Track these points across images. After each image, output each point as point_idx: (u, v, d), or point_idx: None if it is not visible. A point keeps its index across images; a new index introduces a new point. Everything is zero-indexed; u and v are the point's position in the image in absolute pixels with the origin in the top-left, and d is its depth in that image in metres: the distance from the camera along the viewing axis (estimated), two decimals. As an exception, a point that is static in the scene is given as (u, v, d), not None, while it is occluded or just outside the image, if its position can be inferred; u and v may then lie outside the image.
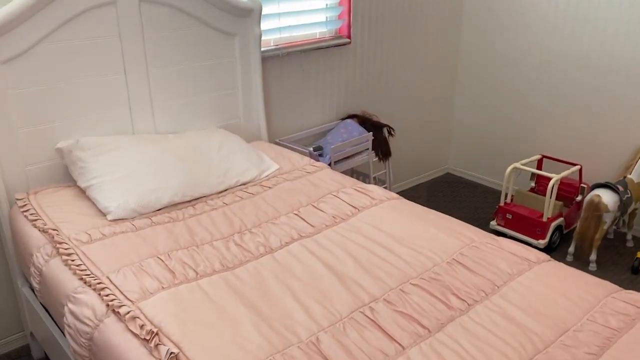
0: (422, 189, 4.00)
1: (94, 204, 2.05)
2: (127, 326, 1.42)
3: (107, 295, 1.52)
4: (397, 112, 3.70)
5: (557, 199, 3.28)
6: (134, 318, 1.42)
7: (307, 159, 2.52)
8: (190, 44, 2.46)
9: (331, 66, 3.20)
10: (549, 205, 3.01)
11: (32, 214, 1.97)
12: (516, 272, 1.62)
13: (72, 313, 1.54)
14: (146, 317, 1.44)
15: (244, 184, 2.29)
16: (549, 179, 3.21)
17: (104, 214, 1.99)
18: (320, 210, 2.04)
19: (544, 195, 3.23)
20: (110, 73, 2.26)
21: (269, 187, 2.25)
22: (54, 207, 2.02)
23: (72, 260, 1.69)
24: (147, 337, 1.35)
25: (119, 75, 2.29)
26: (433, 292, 1.53)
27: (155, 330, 1.37)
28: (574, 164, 3.20)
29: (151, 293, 1.54)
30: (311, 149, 2.89)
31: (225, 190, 2.24)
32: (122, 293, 1.54)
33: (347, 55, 3.27)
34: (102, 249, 1.76)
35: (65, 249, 1.74)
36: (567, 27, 3.29)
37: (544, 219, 3.03)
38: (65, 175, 2.25)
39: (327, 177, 2.32)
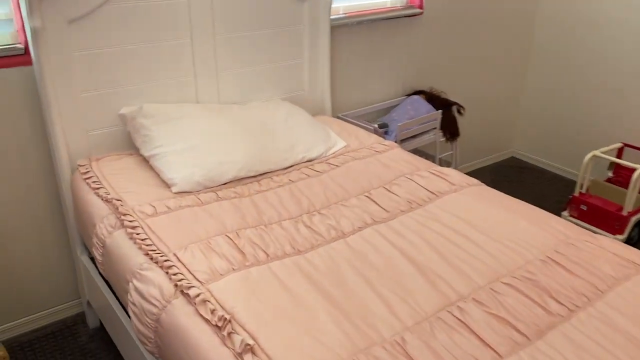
0: (486, 172, 3.79)
1: (157, 174, 1.97)
2: (197, 310, 1.32)
3: (175, 274, 1.43)
4: (463, 89, 3.49)
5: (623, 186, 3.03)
6: (204, 302, 1.33)
7: (374, 137, 2.37)
8: (258, 8, 2.32)
9: (400, 38, 3.01)
10: (631, 198, 2.78)
11: (94, 182, 1.91)
12: (622, 276, 1.45)
13: (138, 291, 1.46)
14: (217, 301, 1.34)
15: (309, 161, 2.17)
16: (632, 169, 2.97)
17: (167, 185, 1.91)
18: (394, 193, 1.90)
19: (623, 186, 3.00)
20: (177, 38, 2.15)
21: (337, 166, 2.12)
22: (117, 175, 1.95)
23: (137, 234, 1.61)
24: (219, 324, 1.26)
25: (186, 40, 2.18)
26: (528, 294, 1.38)
27: (227, 317, 1.27)
28: (661, 155, 2.95)
29: (221, 274, 1.44)
30: (376, 125, 2.73)
31: (291, 166, 2.12)
32: (190, 272, 1.45)
33: (417, 27, 3.07)
34: (168, 223, 1.68)
35: (130, 221, 1.66)
36: (663, 4, 2.99)
37: (624, 213, 2.81)
38: (127, 143, 2.17)
39: (398, 158, 2.17)
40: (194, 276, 1.44)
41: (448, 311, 1.33)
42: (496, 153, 3.96)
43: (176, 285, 1.40)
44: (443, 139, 3.04)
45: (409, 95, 3.14)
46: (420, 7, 3.01)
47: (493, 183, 3.63)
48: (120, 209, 1.70)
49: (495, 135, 3.87)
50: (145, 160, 2.07)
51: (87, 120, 2.05)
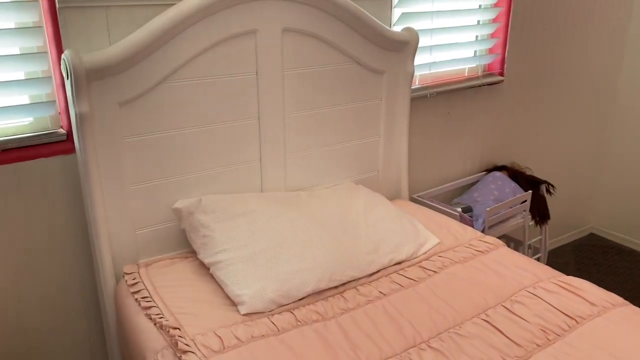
0: (567, 253, 3.35)
1: (219, 285, 1.61)
2: None
3: None
4: (544, 163, 3.11)
5: None
6: None
7: (471, 231, 1.99)
8: (332, 83, 2.00)
9: (478, 108, 2.67)
10: None
11: (144, 298, 1.55)
12: None
13: None
14: None
15: (398, 263, 1.79)
16: None
17: (233, 303, 1.54)
18: (519, 316, 1.50)
19: None
20: (242, 118, 1.84)
21: (434, 272, 1.73)
22: (171, 288, 1.60)
23: (203, 383, 1.23)
24: None
25: (252, 121, 1.86)
26: None
27: None
28: None
29: None
30: (459, 209, 2.35)
31: (377, 271, 1.74)
32: None
33: (497, 96, 2.73)
34: (240, 364, 1.30)
35: (193, 362, 1.28)
36: None
37: None
38: (181, 241, 1.83)
39: (508, 261, 1.78)
40: None
41: None
42: (573, 230, 3.53)
43: None
44: (532, 222, 2.64)
45: (488, 171, 2.77)
46: (501, 74, 2.68)
47: (580, 266, 3.18)
48: (180, 344, 1.33)
49: (571, 209, 3.44)
50: (204, 266, 1.71)
51: (135, 217, 1.72)
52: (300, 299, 1.58)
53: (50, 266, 1.74)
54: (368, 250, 1.74)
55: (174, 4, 1.64)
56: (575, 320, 1.47)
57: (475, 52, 2.64)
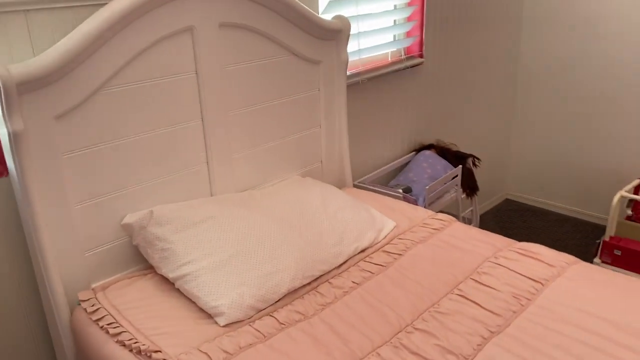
0: (488, 219, 3.56)
1: (189, 299, 1.53)
2: None
3: None
4: (463, 137, 3.26)
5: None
6: None
7: (422, 211, 2.04)
8: (272, 76, 1.96)
9: (403, 91, 2.74)
10: (671, 239, 2.61)
11: (110, 324, 1.43)
12: None
13: None
14: None
15: (362, 251, 1.80)
16: (658, 206, 2.82)
17: (209, 315, 1.47)
18: (488, 286, 1.57)
19: (643, 223, 2.84)
20: (186, 120, 1.74)
21: (399, 254, 1.76)
22: (137, 309, 1.49)
23: (202, 404, 1.16)
24: None
25: (196, 122, 1.77)
26: None
27: None
28: (684, 188, 2.83)
29: None
30: (401, 191, 2.41)
31: (345, 262, 1.74)
32: None
33: (419, 77, 2.82)
34: (235, 377, 1.24)
35: (186, 384, 1.21)
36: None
37: (666, 255, 2.63)
38: (133, 258, 1.71)
39: (464, 235, 1.85)
40: None
41: None
42: (490, 198, 3.76)
43: None
44: (463, 195, 2.77)
45: (417, 150, 2.86)
46: (421, 55, 2.77)
47: (503, 231, 3.40)
48: (168, 368, 1.24)
49: (486, 179, 3.66)
50: (167, 281, 1.61)
51: (82, 239, 1.58)
52: (277, 301, 1.54)
53: (-12, 305, 1.55)
54: (334, 242, 1.73)
55: (102, 4, 1.51)
56: (541, 283, 1.56)
57: (394, 36, 2.69)
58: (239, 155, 1.92)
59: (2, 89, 1.29)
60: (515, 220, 3.54)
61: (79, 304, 1.55)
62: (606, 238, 2.81)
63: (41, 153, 1.43)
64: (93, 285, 1.62)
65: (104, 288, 1.58)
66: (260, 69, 1.90)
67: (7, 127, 1.33)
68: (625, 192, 2.78)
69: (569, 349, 1.30)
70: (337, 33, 2.09)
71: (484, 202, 3.71)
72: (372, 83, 2.54)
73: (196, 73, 1.73)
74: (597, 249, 2.87)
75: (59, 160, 1.48)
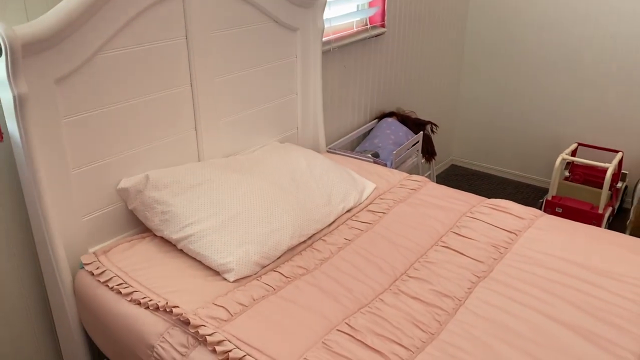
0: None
1: (195, 259, 1.58)
2: None
3: (320, 402, 1.11)
4: (419, 105, 3.43)
5: (582, 184, 3.18)
6: None
7: (397, 173, 2.18)
8: (254, 43, 2.00)
9: (366, 60, 2.84)
10: (605, 197, 2.91)
11: (120, 285, 1.46)
12: None
13: None
14: None
15: (348, 211, 1.91)
16: (589, 167, 3.12)
17: (217, 273, 1.53)
18: (469, 238, 1.73)
19: (579, 184, 3.14)
20: (176, 85, 1.76)
21: (383, 213, 1.89)
22: (144, 270, 1.53)
23: (229, 351, 1.24)
24: None
25: (185, 88, 1.79)
26: (700, 338, 1.29)
27: None
28: (615, 151, 3.14)
29: (376, 389, 1.15)
30: (370, 156, 2.53)
31: (334, 221, 1.84)
32: (336, 394, 1.14)
33: (381, 46, 2.92)
34: (254, 326, 1.32)
35: (210, 334, 1.28)
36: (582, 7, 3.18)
37: (600, 211, 2.93)
38: (127, 222, 1.73)
39: (439, 194, 2.00)
40: (345, 398, 1.13)
41: (641, 377, 1.19)
42: (439, 163, 3.98)
43: (335, 418, 1.09)
44: (423, 160, 2.94)
45: (379, 118, 2.99)
46: (383, 25, 2.87)
47: (453, 195, 3.62)
48: (192, 320, 1.30)
49: (436, 145, 3.86)
50: (167, 243, 1.65)
51: (80, 203, 1.59)
52: (278, 258, 1.62)
53: (-15, 272, 1.53)
54: (323, 203, 1.83)
55: (98, -34, 1.49)
56: (515, 234, 1.74)
57: (357, 6, 2.78)
58: (225, 121, 1.96)
59: (8, 51, 1.27)
60: (461, 185, 3.78)
61: (82, 268, 1.56)
62: (548, 197, 3.09)
63: (43, 117, 1.42)
64: (91, 250, 1.63)
65: (105, 252, 1.60)
66: (243, 36, 1.94)
67: (12, 90, 1.31)
68: (566, 155, 3.05)
69: (546, 288, 1.47)
70: (314, 0, 2.15)
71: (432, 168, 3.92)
72: (338, 52, 2.62)
73: (186, 38, 1.74)
74: (540, 208, 3.15)
75: (59, 124, 1.47)
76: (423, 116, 3.47)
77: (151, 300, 1.40)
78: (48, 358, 1.75)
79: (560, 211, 3.03)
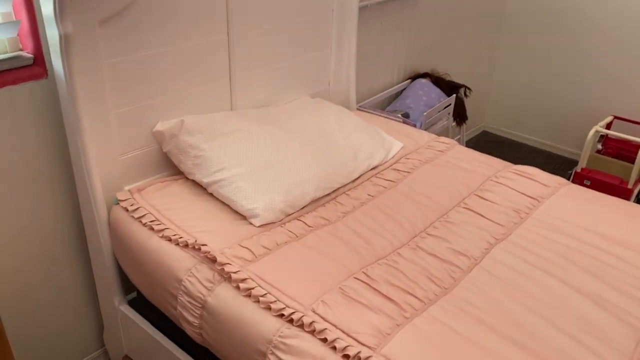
0: (469, 150, 3.76)
1: (223, 203, 1.65)
2: (391, 387, 1.10)
3: (333, 341, 1.18)
4: (453, 68, 3.39)
5: (614, 158, 3.13)
6: (397, 376, 1.10)
7: (426, 134, 2.19)
8: (292, -5, 2.00)
9: (402, 20, 2.81)
10: (636, 172, 2.87)
11: (153, 222, 1.55)
12: None
13: (291, 366, 1.19)
14: (410, 373, 1.12)
15: (374, 169, 1.94)
16: (623, 141, 3.08)
17: (243, 217, 1.60)
18: (491, 201, 1.75)
19: (612, 157, 3.10)
20: (214, 33, 1.80)
21: (408, 172, 1.92)
22: (175, 210, 1.61)
23: (252, 288, 1.32)
24: (437, 405, 1.05)
25: (222, 36, 1.82)
26: None
27: (440, 393, 1.06)
28: (652, 127, 3.08)
29: (388, 334, 1.22)
30: (400, 116, 2.55)
31: (359, 177, 1.88)
32: (349, 335, 1.21)
33: (418, 6, 2.88)
34: (276, 268, 1.40)
35: (235, 271, 1.36)
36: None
37: (629, 186, 2.90)
38: (160, 164, 1.81)
39: (466, 157, 2.02)
40: (357, 340, 1.20)
41: (646, 344, 1.23)
42: (471, 128, 3.95)
43: (347, 357, 1.16)
44: (453, 123, 2.93)
45: (413, 78, 2.98)
46: (423, -16, 2.83)
47: (481, 161, 3.61)
48: (218, 258, 1.38)
49: (468, 110, 3.82)
50: (198, 186, 1.73)
51: (118, 143, 1.66)
52: (302, 208, 1.68)
53: (26, 196, 1.63)
54: (349, 159, 1.86)
55: None
56: (537, 200, 1.76)
57: (399, -38, 2.73)
58: (258, 72, 2.00)
59: (56, -10, 1.32)
60: (491, 152, 3.76)
61: (117, 203, 1.65)
62: (578, 169, 3.06)
63: (86, 57, 1.48)
64: (127, 187, 1.71)
65: (139, 190, 1.68)
66: (282, -13, 1.95)
67: (58, 28, 1.37)
68: (600, 127, 3.00)
69: (562, 254, 1.50)
70: (355, -45, 2.13)
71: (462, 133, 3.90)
72: (376, 7, 2.60)
73: (225, -13, 1.77)
74: (569, 179, 3.13)
75: (101, 65, 1.53)
76: (457, 79, 3.43)
77: (181, 237, 1.48)
78: (83, 287, 1.87)
79: (589, 184, 3.01)
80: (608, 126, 3.21)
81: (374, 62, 2.74)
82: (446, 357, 1.16)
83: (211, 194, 1.68)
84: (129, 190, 1.68)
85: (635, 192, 2.94)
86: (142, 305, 1.73)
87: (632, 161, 3.07)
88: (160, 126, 1.73)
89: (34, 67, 1.53)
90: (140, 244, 1.53)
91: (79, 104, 1.48)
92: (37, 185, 1.64)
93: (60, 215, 1.73)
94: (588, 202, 1.75)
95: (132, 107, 1.65)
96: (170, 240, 1.49)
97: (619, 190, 2.92)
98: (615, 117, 3.21)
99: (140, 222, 1.56)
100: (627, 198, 2.91)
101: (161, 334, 1.66)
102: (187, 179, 1.76)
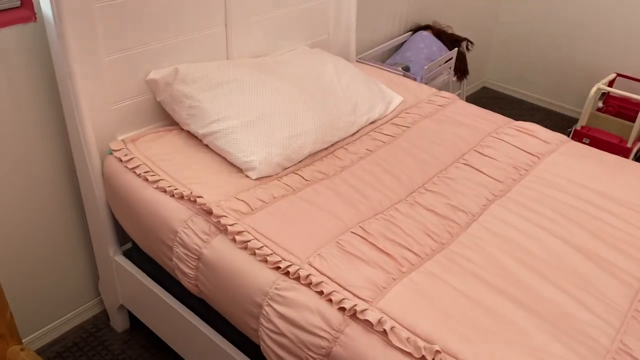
0: (469, 106, 3.71)
1: (219, 155, 1.62)
2: (386, 340, 1.10)
3: (329, 294, 1.18)
4: (453, 20, 3.30)
5: (615, 116, 3.09)
6: (393, 329, 1.11)
7: (427, 88, 2.15)
8: (292, -62, 1.91)
9: (408, -33, 2.72)
10: (636, 130, 2.85)
11: (147, 172, 1.52)
12: None
13: (287, 319, 1.19)
14: (405, 327, 1.12)
15: (373, 122, 1.91)
16: (627, 100, 3.04)
17: (240, 170, 1.58)
18: (491, 157, 1.73)
19: (613, 116, 3.07)
20: (210, -22, 1.72)
21: (407, 127, 1.89)
22: (169, 161, 1.58)
23: (248, 241, 1.31)
24: (432, 358, 1.05)
25: (218, -19, 1.75)
26: None
27: (434, 347, 1.07)
28: (655, 85, 3.03)
29: (384, 287, 1.21)
30: (400, 69, 2.49)
31: (357, 131, 1.85)
32: (345, 289, 1.21)
33: (425, -46, 2.78)
34: (273, 221, 1.38)
35: (231, 224, 1.34)
36: None
37: (629, 145, 2.88)
38: (155, 114, 1.77)
39: (467, 112, 1.98)
40: (353, 293, 1.19)
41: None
42: (471, 84, 3.88)
43: (342, 309, 1.16)
44: (454, 78, 2.88)
45: (414, 31, 2.90)
46: None
47: (481, 117, 3.57)
48: (214, 210, 1.36)
49: (469, 65, 3.74)
50: (193, 137, 1.69)
51: (110, 90, 1.61)
52: (299, 162, 1.65)
53: (15, 145, 1.60)
54: (348, 112, 1.83)
55: None
56: (537, 157, 1.74)
57: None
58: (255, 20, 1.93)
59: None
60: (491, 107, 3.71)
61: (110, 153, 1.62)
62: (578, 127, 3.03)
63: (75, 0, 1.41)
64: (120, 137, 1.68)
65: (133, 140, 1.65)
66: None
67: (45, -32, 1.30)
68: (602, 85, 2.96)
69: (561, 211, 1.49)
70: None
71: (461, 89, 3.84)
72: (379, -44, 2.50)
73: None
74: (568, 136, 3.10)
75: (92, 8, 1.46)
76: (459, 32, 3.35)
77: (176, 189, 1.46)
78: (78, 237, 1.86)
79: (588, 142, 2.99)
80: (610, 84, 3.16)
81: (375, 13, 2.65)
82: (442, 311, 1.16)
83: (207, 146, 1.65)
84: (123, 140, 1.64)
85: (634, 150, 2.92)
86: (138, 255, 1.73)
87: (633, 120, 3.03)
88: (153, 74, 1.68)
89: (22, 9, 1.47)
90: (135, 195, 1.51)
91: (69, 49, 1.42)
92: (28, 134, 1.60)
93: (55, 167, 1.70)
94: (588, 160, 1.73)
95: (125, 54, 1.60)
96: (165, 191, 1.47)
97: (618, 148, 2.90)
98: (618, 75, 3.15)
99: (135, 172, 1.53)
100: (626, 157, 2.89)
101: (156, 285, 1.66)
102: (182, 129, 1.72)
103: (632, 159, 2.93)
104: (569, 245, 1.37)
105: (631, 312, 1.21)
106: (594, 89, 2.92)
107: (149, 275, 1.70)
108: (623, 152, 2.89)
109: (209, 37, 1.81)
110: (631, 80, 3.18)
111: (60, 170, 1.72)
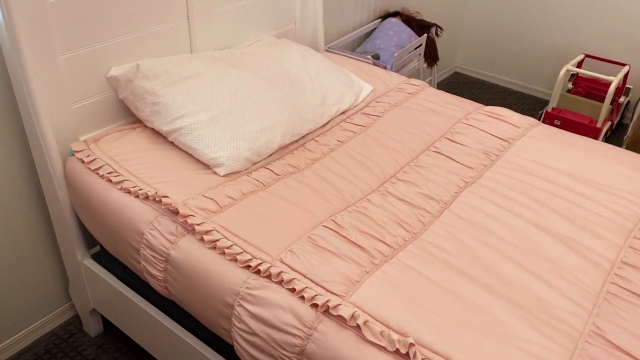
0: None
1: (185, 152, 1.58)
2: (360, 335, 1.08)
3: (301, 291, 1.16)
4: (421, 5, 3.28)
5: (584, 97, 3.12)
6: (366, 324, 1.09)
7: (396, 76, 2.13)
8: None
9: (374, -46, 2.68)
10: (605, 110, 2.87)
11: (110, 173, 1.47)
12: None
13: (259, 318, 1.17)
14: (378, 321, 1.11)
15: (343, 112, 1.88)
16: (592, 79, 3.06)
17: (207, 167, 1.54)
18: (461, 144, 1.72)
19: (582, 96, 3.09)
20: (168, -31, 1.67)
21: (377, 116, 1.87)
22: (134, 160, 1.53)
23: (217, 240, 1.28)
24: (405, 351, 1.04)
25: (178, -27, 1.70)
26: (675, 250, 1.33)
27: (408, 340, 1.05)
28: (622, 64, 3.06)
29: (357, 281, 1.20)
30: (370, 57, 2.46)
31: (328, 122, 1.82)
32: (317, 284, 1.18)
33: (390, -61, 2.75)
34: (243, 219, 1.35)
35: (199, 224, 1.31)
36: None
37: (599, 125, 2.91)
38: (117, 112, 1.71)
39: (436, 99, 1.97)
40: (326, 289, 1.17)
41: (612, 282, 1.24)
42: (442, 70, 3.88)
43: (315, 306, 1.13)
44: (424, 64, 2.86)
45: (383, 18, 2.87)
46: None
47: (453, 103, 3.57)
48: (181, 210, 1.33)
49: (440, 51, 3.74)
50: (158, 134, 1.65)
51: (69, 90, 1.56)
52: (269, 156, 1.62)
53: (-24, 155, 1.54)
54: (317, 103, 1.80)
55: None
56: (508, 142, 1.73)
57: None
58: (219, 11, 1.88)
59: None
60: (463, 93, 3.71)
61: (72, 155, 1.56)
62: (548, 109, 3.05)
63: (26, -4, 1.35)
64: (82, 138, 1.62)
65: (95, 140, 1.60)
66: None
67: (-10, -37, 1.24)
68: (571, 66, 2.97)
69: (532, 195, 1.49)
70: None
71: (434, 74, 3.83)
72: (344, -58, 2.46)
73: None
74: (539, 119, 3.12)
75: (45, 5, 1.40)
76: (429, 18, 3.33)
77: (141, 189, 1.41)
78: (44, 243, 1.80)
79: (559, 123, 3.01)
80: (579, 65, 3.18)
81: (343, 0, 2.62)
82: (415, 302, 1.15)
83: (172, 143, 1.61)
84: (85, 141, 1.59)
85: (604, 130, 2.95)
86: (107, 258, 1.68)
87: (602, 100, 3.07)
88: (114, 71, 1.62)
89: (-31, 8, 1.40)
90: (99, 197, 1.46)
91: (21, 47, 1.36)
92: (-15, 137, 1.54)
93: (16, 172, 1.64)
94: (558, 143, 1.73)
95: (82, 51, 1.54)
96: (129, 192, 1.42)
97: (588, 129, 2.93)
98: (587, 56, 3.18)
99: (98, 174, 1.49)
100: (596, 137, 2.93)
101: (127, 288, 1.62)
102: (146, 127, 1.68)
103: (602, 139, 2.97)
104: (541, 230, 1.37)
105: (603, 293, 1.21)
106: (563, 71, 2.94)
107: (119, 277, 1.66)
108: (593, 132, 2.92)
109: (171, 31, 1.76)
110: (599, 61, 3.21)
111: (22, 174, 1.66)
